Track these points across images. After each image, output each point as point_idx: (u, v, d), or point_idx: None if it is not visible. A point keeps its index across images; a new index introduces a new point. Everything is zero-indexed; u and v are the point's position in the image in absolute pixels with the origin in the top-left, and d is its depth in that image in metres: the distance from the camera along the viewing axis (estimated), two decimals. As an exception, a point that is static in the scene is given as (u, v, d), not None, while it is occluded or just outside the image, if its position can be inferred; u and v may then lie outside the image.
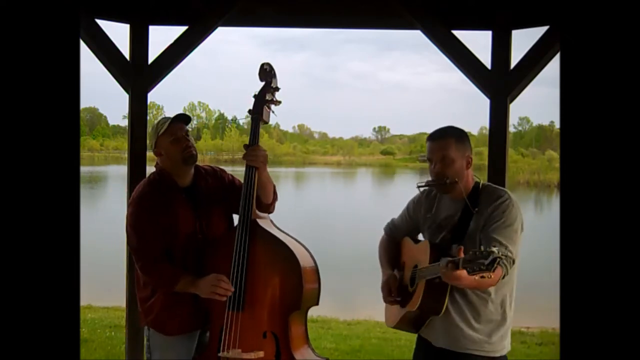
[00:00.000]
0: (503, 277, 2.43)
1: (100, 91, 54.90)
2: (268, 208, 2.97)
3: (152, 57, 3.95)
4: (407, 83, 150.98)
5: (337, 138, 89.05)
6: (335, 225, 17.83)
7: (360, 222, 17.24)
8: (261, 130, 2.91)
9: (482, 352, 2.56)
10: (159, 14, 4.02)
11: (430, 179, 2.65)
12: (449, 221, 2.65)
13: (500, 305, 2.58)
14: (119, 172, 33.49)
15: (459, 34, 3.85)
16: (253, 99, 2.87)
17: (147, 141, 3.52)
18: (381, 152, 77.78)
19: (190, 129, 2.99)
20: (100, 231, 13.16)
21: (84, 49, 3.62)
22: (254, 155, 2.82)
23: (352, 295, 9.18)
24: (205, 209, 2.94)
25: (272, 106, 2.91)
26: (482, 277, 2.14)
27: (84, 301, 7.13)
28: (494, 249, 2.12)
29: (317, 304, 2.84)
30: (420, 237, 2.85)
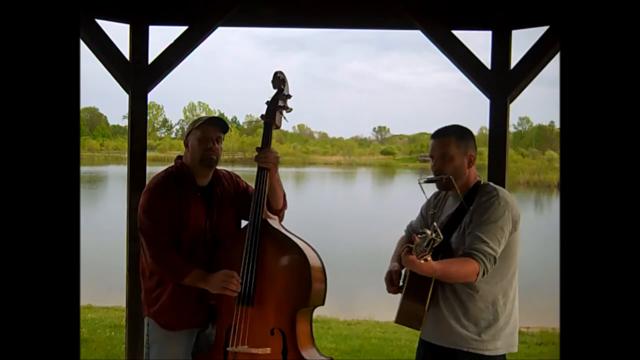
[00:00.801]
0: (483, 274, 2.44)
1: (100, 91, 54.95)
2: (277, 214, 3.03)
3: (152, 57, 3.95)
4: (407, 83, 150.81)
5: (337, 138, 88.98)
6: (335, 225, 17.83)
7: (360, 222, 17.27)
8: (259, 130, 2.97)
9: (470, 349, 2.55)
10: (159, 14, 4.02)
11: (432, 176, 2.68)
12: (447, 219, 2.68)
13: (491, 304, 2.57)
14: (119, 172, 33.49)
15: (458, 33, 3.85)
16: (265, 105, 2.98)
17: (147, 141, 3.54)
18: (381, 152, 77.75)
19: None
20: (101, 231, 13.17)
21: (84, 49, 3.63)
22: (265, 156, 2.91)
23: (352, 295, 9.18)
24: (216, 210, 2.99)
25: (284, 112, 3.02)
26: (425, 259, 2.23)
27: (84, 301, 7.13)
28: (428, 231, 2.18)
29: (322, 304, 2.91)
30: None
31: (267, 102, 2.99)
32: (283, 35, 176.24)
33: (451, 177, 2.58)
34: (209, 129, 2.95)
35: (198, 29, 3.91)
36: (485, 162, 3.93)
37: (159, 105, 79.01)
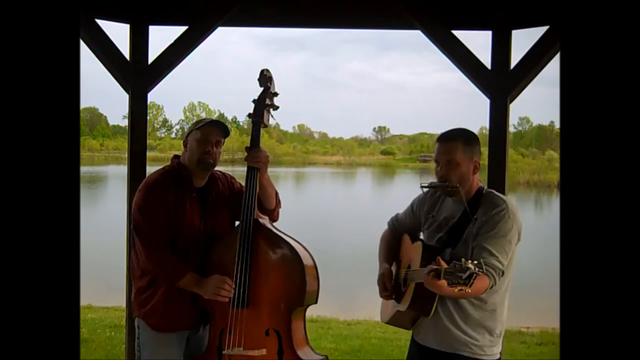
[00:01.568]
0: (491, 287, 2.44)
1: (100, 91, 54.97)
2: (271, 214, 3.02)
3: (152, 57, 3.94)
4: (407, 83, 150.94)
5: (337, 138, 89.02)
6: (335, 225, 17.83)
7: (360, 222, 17.24)
8: (262, 131, 2.98)
9: (470, 354, 2.56)
10: (159, 14, 4.02)
11: (434, 180, 2.65)
12: (447, 222, 2.65)
13: (491, 313, 2.58)
14: (119, 172, 33.47)
15: (458, 33, 3.85)
16: (253, 104, 2.95)
17: (147, 141, 3.53)
18: (381, 152, 77.77)
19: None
20: (101, 231, 13.17)
21: (84, 49, 3.63)
22: (255, 156, 2.88)
23: (352, 295, 9.17)
24: (212, 210, 2.97)
25: (272, 110, 2.99)
26: (461, 290, 2.12)
27: (84, 301, 7.13)
28: (470, 265, 2.10)
29: (316, 302, 2.89)
30: (421, 235, 2.86)
31: (254, 101, 2.95)
32: (283, 35, 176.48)
33: (458, 185, 2.54)
34: (210, 131, 2.92)
35: (198, 29, 3.91)
36: (485, 162, 3.93)
37: (159, 105, 79.08)
